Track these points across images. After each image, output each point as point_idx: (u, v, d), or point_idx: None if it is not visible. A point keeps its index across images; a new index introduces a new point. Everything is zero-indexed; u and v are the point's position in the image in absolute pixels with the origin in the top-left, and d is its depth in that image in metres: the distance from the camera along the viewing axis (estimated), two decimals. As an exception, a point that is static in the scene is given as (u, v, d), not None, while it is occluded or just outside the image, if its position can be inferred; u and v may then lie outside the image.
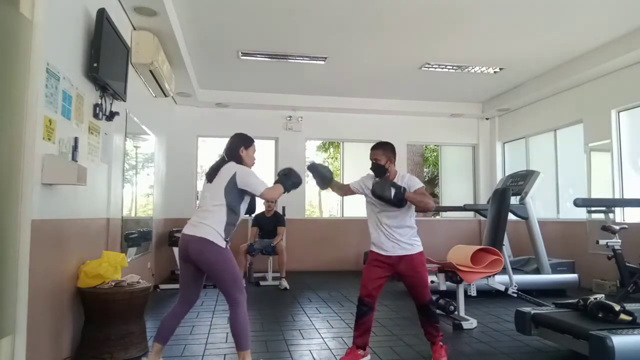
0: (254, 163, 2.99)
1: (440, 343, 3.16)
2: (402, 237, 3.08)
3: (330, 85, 7.55)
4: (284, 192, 2.89)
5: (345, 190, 3.41)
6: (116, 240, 4.21)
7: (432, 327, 3.16)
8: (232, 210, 2.74)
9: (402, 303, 5.23)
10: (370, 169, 3.19)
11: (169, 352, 3.36)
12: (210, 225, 2.67)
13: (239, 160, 2.87)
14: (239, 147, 2.91)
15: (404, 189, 2.97)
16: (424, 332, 3.21)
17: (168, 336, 2.82)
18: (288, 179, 2.90)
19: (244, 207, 2.85)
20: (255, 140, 3.05)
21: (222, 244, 2.68)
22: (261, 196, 2.78)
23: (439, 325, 3.18)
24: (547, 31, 5.37)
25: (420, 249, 3.16)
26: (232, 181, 2.72)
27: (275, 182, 2.91)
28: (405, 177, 3.15)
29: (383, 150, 3.15)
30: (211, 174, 2.84)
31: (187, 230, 2.72)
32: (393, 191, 2.94)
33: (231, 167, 2.80)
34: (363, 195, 3.27)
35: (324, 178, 3.25)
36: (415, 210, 3.16)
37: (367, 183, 3.20)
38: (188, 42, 5.71)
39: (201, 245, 2.65)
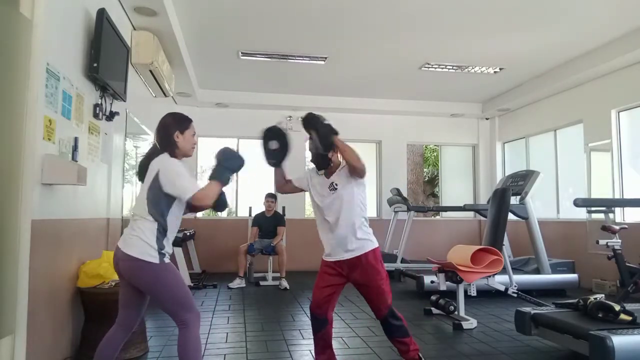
0: (193, 148, 2.42)
1: (418, 357, 2.74)
2: (348, 233, 2.66)
3: (330, 85, 7.55)
4: (224, 186, 2.24)
5: (286, 185, 2.89)
6: (116, 240, 4.19)
7: (398, 342, 2.73)
8: (161, 218, 2.20)
9: (402, 303, 5.23)
10: (311, 161, 2.82)
11: (169, 352, 3.37)
12: (139, 237, 2.17)
13: (173, 149, 2.31)
14: (173, 132, 2.31)
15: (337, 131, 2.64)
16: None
17: None
18: (220, 168, 2.24)
19: (179, 209, 2.27)
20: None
21: (155, 259, 2.16)
22: (192, 201, 2.14)
23: (408, 340, 2.72)
24: (547, 31, 5.37)
25: (373, 245, 2.70)
26: (156, 183, 2.18)
27: (210, 179, 2.22)
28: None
29: None
30: (141, 171, 2.29)
31: (120, 243, 2.25)
32: (327, 121, 2.66)
33: (156, 164, 2.23)
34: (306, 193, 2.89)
35: (274, 152, 2.69)
36: (353, 175, 2.69)
37: (314, 179, 2.84)
38: (188, 42, 5.71)
39: (130, 264, 2.17)
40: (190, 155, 2.42)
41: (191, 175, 2.23)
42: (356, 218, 2.69)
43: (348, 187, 2.71)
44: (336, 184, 2.73)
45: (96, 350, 2.28)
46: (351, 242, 2.67)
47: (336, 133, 2.67)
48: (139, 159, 2.37)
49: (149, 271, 2.17)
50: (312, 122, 2.66)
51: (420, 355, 2.78)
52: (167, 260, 2.23)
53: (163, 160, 2.24)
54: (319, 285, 2.76)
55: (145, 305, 2.38)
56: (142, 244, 2.16)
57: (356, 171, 2.65)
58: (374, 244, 2.73)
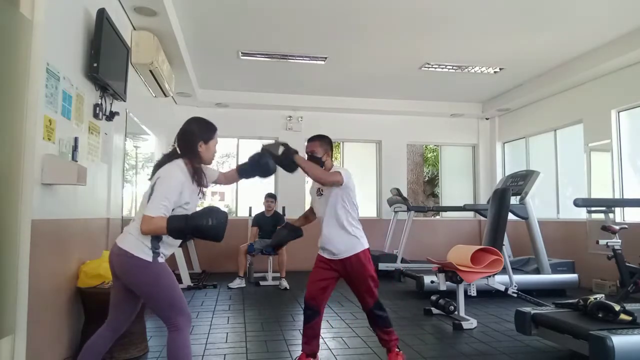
0: (214, 157, 2.39)
1: (397, 349, 2.97)
2: (335, 234, 2.83)
3: (330, 85, 7.55)
4: (170, 233, 2.07)
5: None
6: (116, 240, 4.20)
7: (382, 332, 2.94)
8: None
9: (402, 303, 5.24)
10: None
11: (169, 352, 3.36)
12: (134, 234, 2.13)
13: (195, 156, 2.26)
14: (197, 142, 2.26)
15: (296, 151, 2.70)
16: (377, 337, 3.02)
17: None
18: (185, 219, 2.08)
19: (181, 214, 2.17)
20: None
21: (148, 257, 2.12)
22: (142, 219, 2.06)
23: (391, 330, 2.95)
24: (547, 31, 5.37)
25: (362, 247, 2.86)
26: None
27: (169, 218, 2.07)
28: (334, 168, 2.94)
29: (320, 142, 2.97)
30: (153, 171, 2.27)
31: (117, 239, 2.23)
32: (281, 149, 2.65)
33: (163, 170, 2.19)
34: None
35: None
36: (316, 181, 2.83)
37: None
38: (188, 42, 5.71)
39: (122, 259, 2.13)
40: (210, 164, 2.38)
41: (177, 195, 2.13)
42: (342, 220, 2.85)
43: (332, 192, 2.85)
44: (322, 190, 2.92)
45: (82, 348, 2.24)
46: (339, 243, 2.84)
47: (295, 152, 2.71)
48: (158, 158, 2.32)
49: (141, 268, 2.12)
50: (280, 144, 2.72)
51: (399, 346, 3.00)
52: (161, 260, 2.18)
53: (170, 170, 2.18)
54: (313, 279, 2.95)
55: (137, 310, 2.32)
56: (136, 240, 2.12)
57: (327, 185, 2.83)
58: (363, 245, 2.88)
